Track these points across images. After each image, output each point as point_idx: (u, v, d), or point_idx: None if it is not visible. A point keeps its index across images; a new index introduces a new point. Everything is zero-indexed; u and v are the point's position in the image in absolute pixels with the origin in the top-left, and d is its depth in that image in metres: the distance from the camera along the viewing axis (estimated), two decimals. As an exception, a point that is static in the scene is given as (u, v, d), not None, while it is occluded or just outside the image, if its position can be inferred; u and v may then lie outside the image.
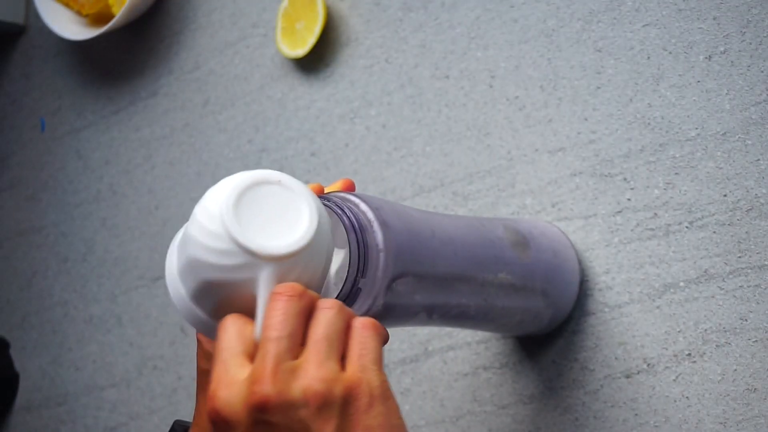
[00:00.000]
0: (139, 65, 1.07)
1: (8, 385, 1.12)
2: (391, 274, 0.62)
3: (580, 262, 0.78)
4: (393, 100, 0.90)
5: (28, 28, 1.17)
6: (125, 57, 1.08)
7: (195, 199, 1.01)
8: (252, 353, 0.54)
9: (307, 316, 0.54)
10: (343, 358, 0.54)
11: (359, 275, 0.60)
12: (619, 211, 0.77)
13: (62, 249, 1.11)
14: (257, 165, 0.97)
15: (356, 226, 0.60)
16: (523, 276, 0.72)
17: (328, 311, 0.54)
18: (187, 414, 0.96)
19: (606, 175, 0.78)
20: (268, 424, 0.51)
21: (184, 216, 1.02)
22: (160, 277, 1.03)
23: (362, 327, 0.55)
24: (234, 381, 0.52)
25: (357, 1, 0.92)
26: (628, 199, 0.77)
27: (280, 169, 0.95)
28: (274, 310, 0.53)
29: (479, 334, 0.83)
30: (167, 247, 1.05)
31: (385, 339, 0.56)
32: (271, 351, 0.52)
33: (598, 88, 0.79)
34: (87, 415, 1.07)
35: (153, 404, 1.02)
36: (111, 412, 1.05)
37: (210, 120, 1.01)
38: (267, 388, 0.51)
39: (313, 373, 0.52)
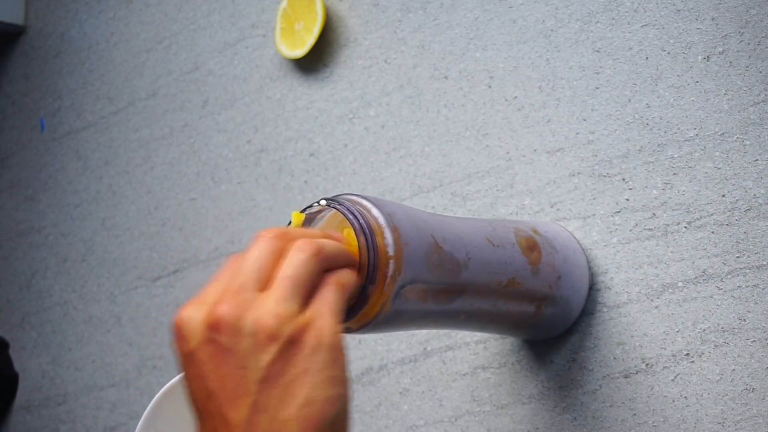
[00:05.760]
0: (138, 66, 1.07)
1: (8, 385, 1.12)
2: (400, 282, 0.60)
3: (589, 267, 0.77)
4: (392, 101, 0.90)
5: (28, 28, 1.17)
6: (125, 58, 1.08)
7: (194, 200, 1.02)
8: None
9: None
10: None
11: (368, 282, 0.59)
12: (618, 212, 0.77)
13: (62, 249, 1.11)
14: (256, 165, 0.97)
15: (366, 231, 0.59)
16: (532, 282, 0.71)
17: (299, 254, 0.56)
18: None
19: (604, 176, 0.78)
20: (216, 344, 0.54)
21: (183, 216, 1.02)
22: (160, 276, 1.03)
23: (330, 280, 0.57)
24: (205, 301, 0.55)
25: (356, 1, 0.92)
26: (627, 200, 0.77)
27: (279, 170, 0.96)
28: (253, 249, 0.56)
29: (478, 335, 0.83)
30: (166, 247, 1.05)
31: (349, 294, 0.58)
32: (239, 279, 0.55)
33: (597, 88, 0.79)
34: (86, 414, 1.07)
35: (152, 404, 1.02)
36: (111, 412, 1.05)
37: (209, 120, 1.01)
38: (223, 310, 0.54)
39: (268, 307, 0.54)
